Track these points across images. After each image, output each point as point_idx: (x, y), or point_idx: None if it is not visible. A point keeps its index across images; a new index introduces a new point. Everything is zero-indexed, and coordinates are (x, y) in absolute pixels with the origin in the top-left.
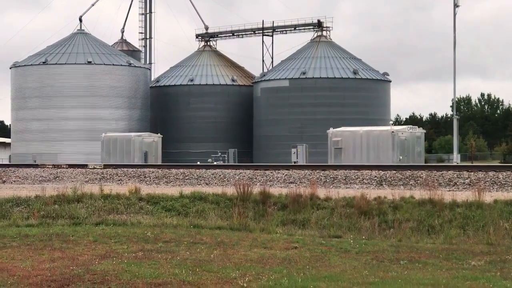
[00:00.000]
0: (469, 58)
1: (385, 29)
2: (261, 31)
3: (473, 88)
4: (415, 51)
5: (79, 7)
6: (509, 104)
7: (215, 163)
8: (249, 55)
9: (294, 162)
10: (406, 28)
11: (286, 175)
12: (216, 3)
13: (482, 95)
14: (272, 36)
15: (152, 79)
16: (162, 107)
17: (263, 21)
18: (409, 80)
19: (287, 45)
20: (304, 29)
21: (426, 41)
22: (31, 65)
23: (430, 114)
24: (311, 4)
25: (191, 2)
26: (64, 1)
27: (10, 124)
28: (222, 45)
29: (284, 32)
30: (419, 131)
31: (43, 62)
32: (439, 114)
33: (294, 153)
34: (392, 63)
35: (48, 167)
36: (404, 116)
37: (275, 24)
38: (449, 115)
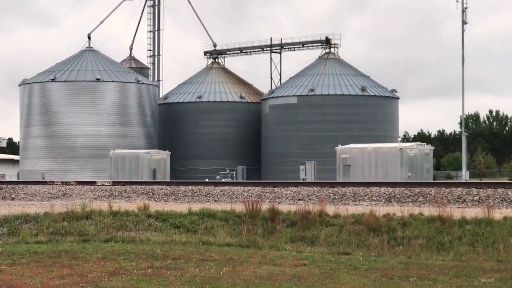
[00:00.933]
0: (477, 74)
1: (394, 45)
2: (269, 48)
3: (482, 104)
4: (423, 67)
5: (88, 24)
6: None
7: (223, 180)
8: (257, 72)
9: (303, 179)
10: (414, 44)
11: (294, 192)
12: (225, 21)
13: (491, 112)
14: (280, 53)
15: (161, 96)
16: (170, 124)
17: (271, 38)
18: (417, 96)
19: (295, 62)
20: (312, 46)
21: (435, 57)
22: (40, 82)
23: (439, 131)
24: (319, 21)
25: (199, 19)
26: (73, 18)
27: (18, 141)
28: (230, 62)
29: (292, 49)
30: (428, 148)
31: (52, 79)
32: (448, 131)
33: (303, 170)
34: (400, 80)
35: (56, 184)
36: (412, 133)
37: (283, 41)
38: (457, 132)
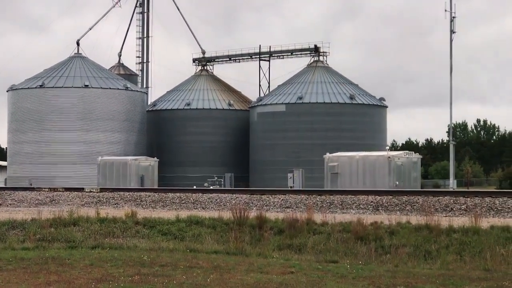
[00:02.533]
0: (466, 84)
1: (383, 54)
2: (258, 56)
3: (470, 113)
4: (412, 76)
5: (77, 30)
6: (505, 130)
7: (211, 187)
8: (246, 79)
9: (291, 187)
10: (403, 53)
11: (282, 199)
12: (214, 28)
13: (478, 121)
14: (269, 61)
15: (149, 103)
16: (158, 131)
17: (260, 46)
18: (405, 105)
19: (284, 70)
20: (301, 54)
21: (424, 66)
22: (28, 88)
23: (426, 140)
24: (309, 30)
25: (189, 27)
26: (62, 24)
27: (6, 147)
28: (219, 70)
29: (281, 57)
30: (416, 157)
31: (40, 86)
32: (435, 140)
33: (291, 178)
34: (389, 89)
35: (44, 190)
36: (400, 142)
37: (272, 49)
38: (445, 141)
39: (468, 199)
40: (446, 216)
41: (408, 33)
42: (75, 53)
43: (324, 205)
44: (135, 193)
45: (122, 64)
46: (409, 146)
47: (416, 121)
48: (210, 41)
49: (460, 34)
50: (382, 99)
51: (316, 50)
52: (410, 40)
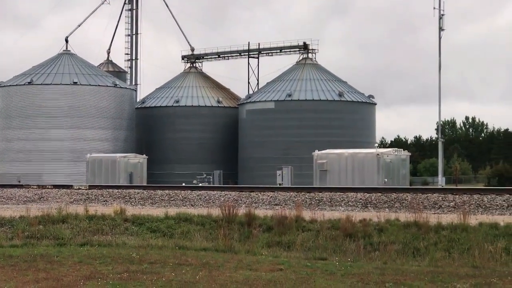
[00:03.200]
0: (455, 81)
1: (372, 51)
2: (247, 53)
3: (459, 111)
4: (401, 74)
5: (66, 27)
6: (493, 128)
7: (200, 184)
8: (235, 76)
9: (279, 184)
10: (393, 51)
11: (271, 197)
12: (204, 25)
13: (467, 118)
14: (258, 58)
15: (138, 100)
16: (147, 128)
17: (249, 43)
18: (394, 102)
19: (273, 67)
20: (290, 51)
21: (413, 64)
22: (16, 85)
23: (415, 137)
24: (299, 26)
25: (177, 24)
26: (51, 21)
27: None
28: (208, 67)
29: (270, 54)
30: (404, 154)
31: (28, 82)
32: (424, 137)
33: (279, 175)
34: (378, 86)
35: (32, 188)
36: (389, 139)
37: (261, 46)
38: (434, 138)
39: (457, 196)
40: (434, 213)
41: (397, 31)
42: (63, 50)
43: (313, 202)
44: (124, 190)
45: (111, 61)
46: (398, 143)
47: (405, 119)
48: (199, 39)
49: (450, 31)
50: (371, 96)
51: (305, 47)
52: (399, 37)
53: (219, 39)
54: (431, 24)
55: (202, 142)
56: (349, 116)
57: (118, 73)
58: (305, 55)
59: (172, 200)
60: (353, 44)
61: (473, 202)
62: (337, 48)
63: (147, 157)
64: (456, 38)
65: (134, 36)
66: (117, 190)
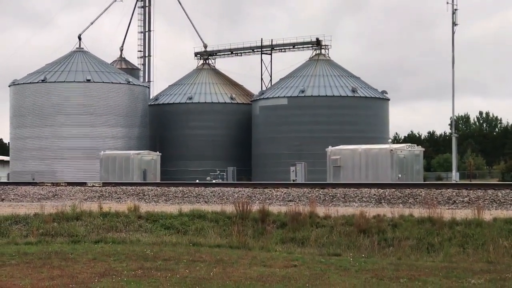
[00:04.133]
0: (469, 76)
1: (386, 47)
2: (260, 49)
3: (473, 106)
4: (415, 69)
5: (79, 25)
6: (507, 122)
7: (214, 181)
8: (248, 73)
9: (293, 180)
10: (406, 46)
11: (285, 193)
12: (217, 22)
13: (481, 113)
14: (271, 54)
15: (151, 97)
16: (160, 125)
17: (261, 39)
18: (408, 98)
19: (286, 63)
20: (302, 47)
21: (427, 59)
22: (30, 83)
23: (429, 132)
24: (313, 23)
25: (190, 21)
26: (64, 19)
27: (9, 142)
28: (221, 63)
29: (283, 50)
30: (418, 149)
31: (42, 80)
32: (438, 132)
33: (293, 171)
34: (391, 81)
35: (46, 185)
36: (402, 134)
37: (274, 42)
38: (447, 133)
39: (471, 191)
40: (448, 209)
41: (410, 26)
42: (76, 48)
43: (326, 198)
44: (138, 187)
45: (124, 58)
46: (411, 139)
47: (418, 114)
48: (213, 36)
49: (463, 26)
50: (384, 92)
51: (318, 43)
52: (413, 32)
53: (233, 36)
54: (444, 19)
55: (215, 138)
56: (362, 112)
57: (131, 70)
58: (318, 51)
59: (185, 197)
60: (367, 40)
61: (488, 197)
62: (350, 44)
63: (160, 154)
64: (470, 33)
65: (147, 33)
66: (130, 187)
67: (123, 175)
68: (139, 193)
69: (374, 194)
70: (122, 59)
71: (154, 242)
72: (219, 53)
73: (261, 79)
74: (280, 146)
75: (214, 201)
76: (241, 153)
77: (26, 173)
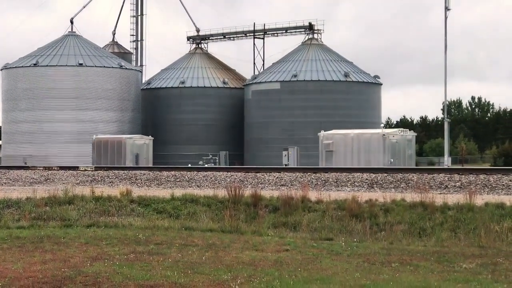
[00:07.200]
0: (462, 61)
1: (379, 32)
2: (253, 34)
3: (465, 91)
4: (408, 54)
5: (72, 8)
6: (500, 107)
7: (206, 165)
8: (240, 57)
9: (285, 165)
10: (399, 31)
11: (277, 177)
12: (211, 7)
13: (473, 98)
14: (263, 38)
15: (143, 81)
16: (153, 109)
17: (254, 23)
18: (400, 83)
19: (279, 47)
20: (295, 32)
21: (420, 44)
22: (22, 67)
23: (421, 117)
24: (307, 7)
25: (183, 4)
26: (57, 2)
27: (0, 126)
28: (214, 48)
29: (275, 34)
30: (410, 134)
31: (34, 64)
32: (430, 117)
33: (285, 155)
34: (384, 66)
35: (39, 169)
36: (395, 119)
37: (266, 27)
38: (440, 118)
39: (463, 176)
40: (440, 194)
41: (404, 11)
42: (69, 32)
43: (319, 183)
44: (130, 171)
45: (116, 42)
46: (403, 123)
47: (411, 99)
48: (206, 20)
49: (458, 11)
50: (376, 76)
51: (310, 28)
52: (407, 17)
53: (227, 21)
54: (438, 4)
55: (207, 123)
56: (355, 96)
57: (124, 54)
58: (310, 36)
59: (178, 181)
60: (360, 25)
61: (479, 182)
62: (344, 29)
63: (153, 138)
64: (465, 18)
65: (139, 17)
66: (123, 172)
67: (115, 159)
68: (132, 177)
69: (366, 179)
70: (114, 43)
71: (146, 226)
72: (212, 38)
73: (254, 63)
74: (273, 130)
75: (207, 186)
76: (233, 137)
77: (18, 157)
